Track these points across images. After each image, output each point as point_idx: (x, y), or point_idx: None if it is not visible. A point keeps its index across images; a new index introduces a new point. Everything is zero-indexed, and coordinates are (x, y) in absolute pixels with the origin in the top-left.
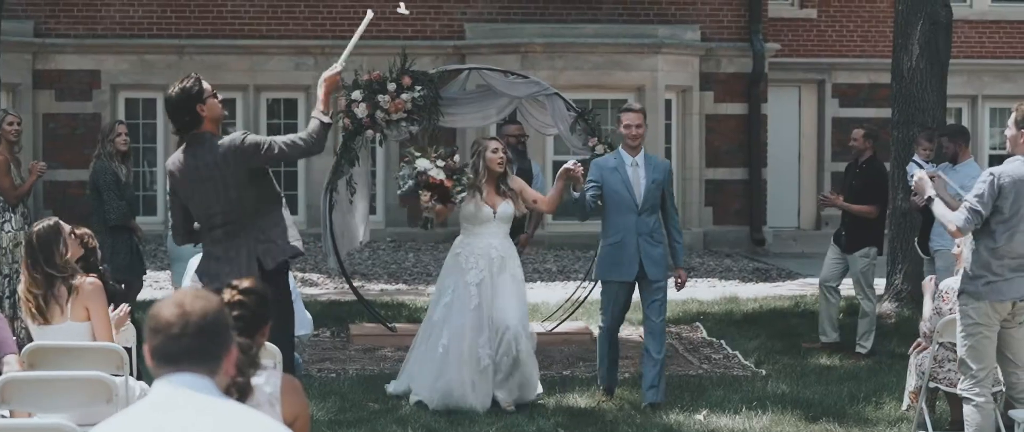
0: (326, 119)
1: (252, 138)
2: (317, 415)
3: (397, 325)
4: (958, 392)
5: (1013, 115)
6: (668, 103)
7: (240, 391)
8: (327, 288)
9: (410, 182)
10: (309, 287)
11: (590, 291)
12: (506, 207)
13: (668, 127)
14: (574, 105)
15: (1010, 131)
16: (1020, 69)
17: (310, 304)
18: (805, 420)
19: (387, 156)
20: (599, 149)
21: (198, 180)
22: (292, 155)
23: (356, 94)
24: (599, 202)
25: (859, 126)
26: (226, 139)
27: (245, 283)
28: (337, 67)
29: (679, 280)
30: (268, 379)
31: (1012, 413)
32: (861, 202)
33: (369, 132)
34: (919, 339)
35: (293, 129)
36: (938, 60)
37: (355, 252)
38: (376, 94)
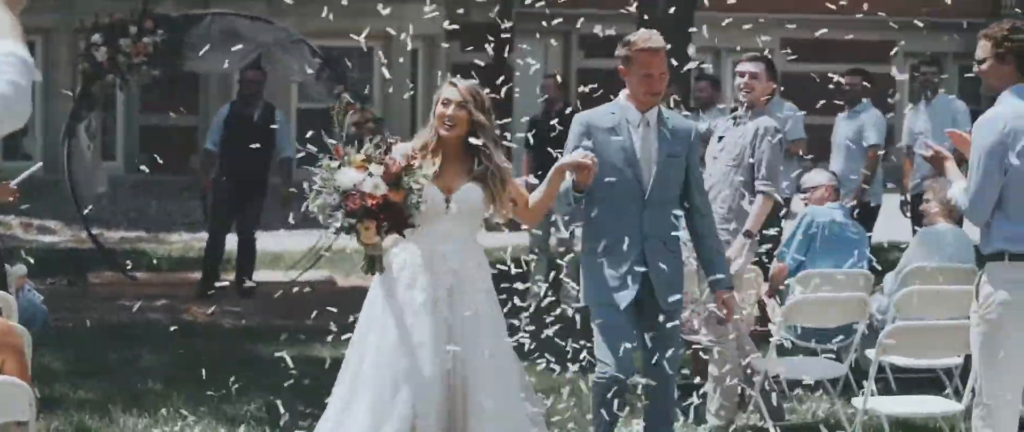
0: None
1: None
2: (53, 366)
3: (137, 274)
4: (702, 341)
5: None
6: (414, 53)
7: None
8: (65, 236)
9: (337, 214)
10: (47, 235)
11: (335, 240)
12: (469, 193)
13: (414, 77)
14: (319, 52)
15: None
16: (766, 24)
17: (48, 252)
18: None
19: (127, 101)
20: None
21: None
22: None
23: (96, 37)
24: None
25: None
26: None
27: None
28: None
29: (723, 311)
30: None
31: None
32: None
33: (110, 76)
34: None
35: None
36: (683, 12)
37: (95, 199)
38: (117, 38)
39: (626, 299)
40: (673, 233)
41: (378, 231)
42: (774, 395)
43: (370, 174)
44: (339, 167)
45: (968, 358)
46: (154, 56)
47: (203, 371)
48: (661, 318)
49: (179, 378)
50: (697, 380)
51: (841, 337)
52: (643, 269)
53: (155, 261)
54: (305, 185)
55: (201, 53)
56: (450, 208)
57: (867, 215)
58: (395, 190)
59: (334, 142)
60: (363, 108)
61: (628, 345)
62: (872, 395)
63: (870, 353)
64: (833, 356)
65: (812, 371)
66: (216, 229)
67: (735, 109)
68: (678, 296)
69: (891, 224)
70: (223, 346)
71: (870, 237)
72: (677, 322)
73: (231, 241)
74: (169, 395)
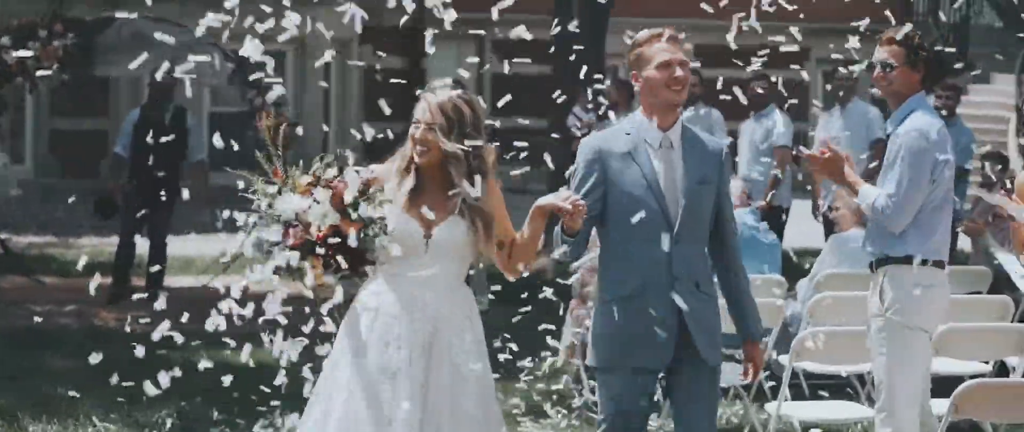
0: None
1: None
2: None
3: (46, 279)
4: None
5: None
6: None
7: None
8: None
9: (275, 250)
10: None
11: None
12: (452, 229)
13: (327, 82)
14: (232, 56)
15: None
16: (682, 29)
17: None
18: None
19: (37, 105)
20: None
21: None
22: None
23: (5, 40)
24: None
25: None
26: None
27: None
28: None
29: (750, 367)
30: None
31: None
32: None
33: (19, 79)
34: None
35: None
36: (598, 17)
37: (4, 203)
38: (26, 41)
39: (656, 360)
40: (707, 273)
41: (327, 270)
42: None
43: (316, 201)
44: (279, 192)
45: None
46: (64, 60)
47: (114, 377)
48: (701, 375)
49: (89, 384)
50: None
51: None
52: (674, 319)
53: (63, 266)
54: (235, 218)
55: (111, 57)
56: (429, 246)
57: (776, 217)
58: (347, 220)
59: (268, 161)
60: (278, 112)
61: (636, 414)
62: (785, 401)
63: (783, 359)
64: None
65: (725, 377)
66: (126, 233)
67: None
68: (718, 345)
69: (802, 229)
70: (134, 352)
71: (781, 241)
72: (716, 372)
73: (142, 246)
74: (80, 402)
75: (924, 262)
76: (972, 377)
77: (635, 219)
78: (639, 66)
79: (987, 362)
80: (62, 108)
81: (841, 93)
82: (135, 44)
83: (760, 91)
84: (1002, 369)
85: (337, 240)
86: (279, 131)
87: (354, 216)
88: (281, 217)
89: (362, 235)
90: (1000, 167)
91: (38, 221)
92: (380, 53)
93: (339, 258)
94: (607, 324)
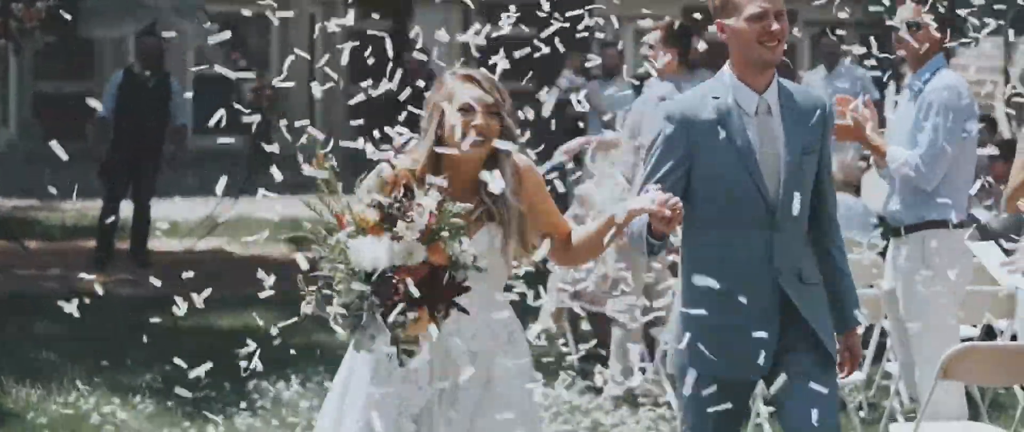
0: None
1: None
2: None
3: (30, 243)
4: (606, 311)
5: None
6: (312, 17)
7: None
8: None
9: (374, 316)
10: None
11: (233, 207)
12: (484, 242)
13: (311, 45)
14: (215, 17)
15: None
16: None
17: None
18: None
19: (20, 67)
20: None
21: None
22: None
23: None
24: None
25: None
26: None
27: None
28: None
29: (846, 358)
30: None
31: (654, 331)
32: None
33: (2, 42)
34: None
35: None
36: None
37: None
38: (9, 3)
39: (751, 369)
40: (810, 259)
41: (433, 318)
42: (661, 366)
43: (393, 236)
44: (348, 240)
45: (869, 328)
46: (47, 21)
47: (98, 342)
48: (810, 374)
49: (73, 349)
50: (596, 346)
51: None
52: (775, 321)
53: (47, 229)
54: (301, 286)
55: (95, 18)
56: None
57: None
58: (433, 248)
59: (332, 205)
60: (261, 76)
61: None
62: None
63: None
64: None
65: None
66: (110, 197)
67: (641, 79)
68: (833, 340)
69: None
70: (118, 316)
71: None
72: (831, 368)
73: (126, 209)
74: (63, 366)
75: (959, 225)
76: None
77: (727, 201)
78: (725, 14)
79: (975, 326)
80: (46, 71)
81: (830, 58)
82: (119, 5)
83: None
84: (989, 333)
85: (433, 278)
86: (330, 167)
87: (437, 240)
88: (362, 271)
89: (453, 260)
90: (988, 130)
91: (22, 185)
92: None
93: (439, 298)
94: (693, 328)
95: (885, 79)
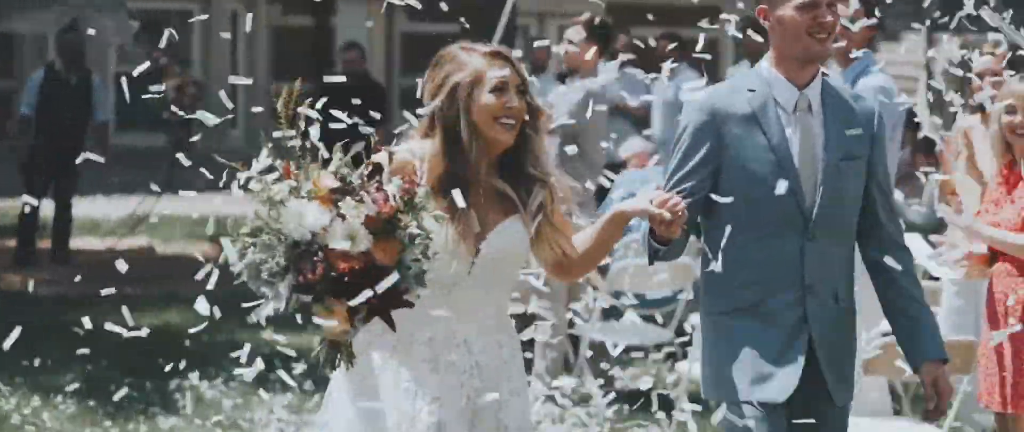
0: None
1: None
2: None
3: None
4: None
5: None
6: (234, 13)
7: None
8: None
9: (281, 284)
10: None
11: (156, 205)
12: (510, 236)
13: (233, 40)
14: (136, 13)
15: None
16: None
17: None
18: None
19: None
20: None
21: None
22: None
23: None
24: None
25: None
26: None
27: None
28: None
29: (930, 396)
30: None
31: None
32: None
33: None
34: None
35: None
36: None
37: None
38: None
39: (780, 390)
40: (849, 281)
41: (350, 318)
42: (587, 358)
43: (340, 215)
44: (289, 196)
45: None
46: None
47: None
48: (822, 416)
49: None
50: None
51: (667, 300)
52: (804, 339)
53: None
54: (211, 223)
55: (15, 13)
56: (475, 266)
57: None
58: (384, 242)
59: (275, 152)
60: (183, 72)
61: None
62: (696, 360)
63: (694, 318)
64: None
65: (636, 337)
66: (32, 195)
67: (565, 75)
68: (853, 388)
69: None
70: (39, 315)
71: None
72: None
73: (48, 207)
74: None
75: None
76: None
77: (757, 203)
78: (772, 1)
79: None
80: None
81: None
82: (39, 2)
83: (670, 49)
84: None
85: (368, 274)
86: (293, 105)
87: (392, 237)
88: (291, 236)
89: (402, 266)
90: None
91: None
92: (288, 14)
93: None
94: (720, 346)
95: None
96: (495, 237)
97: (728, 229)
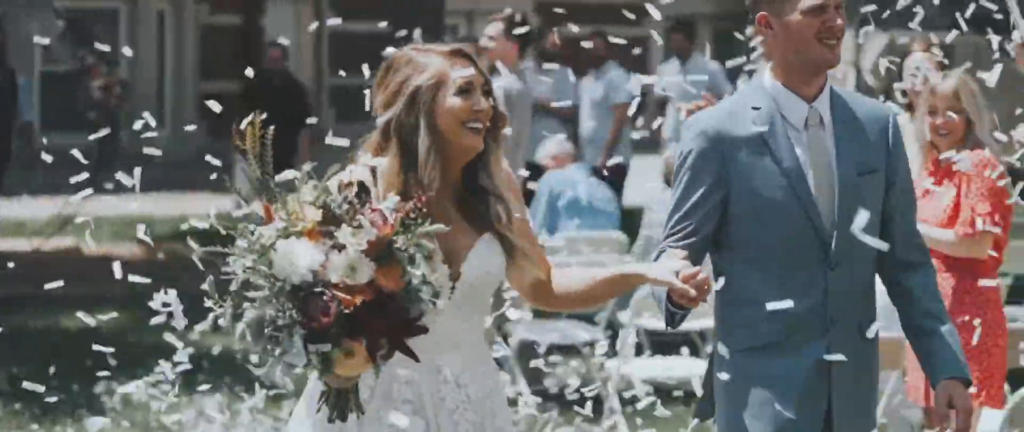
0: None
1: None
2: None
3: None
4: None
5: None
6: (160, 13)
7: None
8: None
9: (293, 339)
10: None
11: (82, 205)
12: (488, 258)
13: (161, 39)
14: (62, 12)
15: None
16: None
17: None
18: None
19: None
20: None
21: None
22: None
23: None
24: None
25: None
26: None
27: None
28: None
29: (942, 416)
30: None
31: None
32: None
33: None
34: None
35: None
36: None
37: None
38: None
39: (807, 425)
40: (872, 308)
41: (371, 355)
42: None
43: (335, 246)
44: (276, 240)
45: None
46: None
47: None
48: None
49: None
50: None
51: None
52: (825, 379)
53: None
54: (209, 285)
55: None
56: (457, 289)
57: (618, 175)
58: (386, 268)
59: (255, 193)
60: (110, 73)
61: None
62: (626, 358)
63: (623, 315)
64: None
65: (566, 335)
66: None
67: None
68: (875, 424)
69: (644, 186)
70: None
71: (621, 199)
72: None
73: None
74: None
75: None
76: None
77: (772, 234)
78: (773, 5)
79: None
80: None
81: (681, 53)
82: None
83: (597, 47)
84: None
85: (378, 306)
86: (261, 142)
87: (392, 261)
88: (288, 282)
89: (408, 289)
90: None
91: None
92: (216, 13)
93: (383, 333)
94: (735, 388)
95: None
96: (475, 258)
97: (741, 263)
